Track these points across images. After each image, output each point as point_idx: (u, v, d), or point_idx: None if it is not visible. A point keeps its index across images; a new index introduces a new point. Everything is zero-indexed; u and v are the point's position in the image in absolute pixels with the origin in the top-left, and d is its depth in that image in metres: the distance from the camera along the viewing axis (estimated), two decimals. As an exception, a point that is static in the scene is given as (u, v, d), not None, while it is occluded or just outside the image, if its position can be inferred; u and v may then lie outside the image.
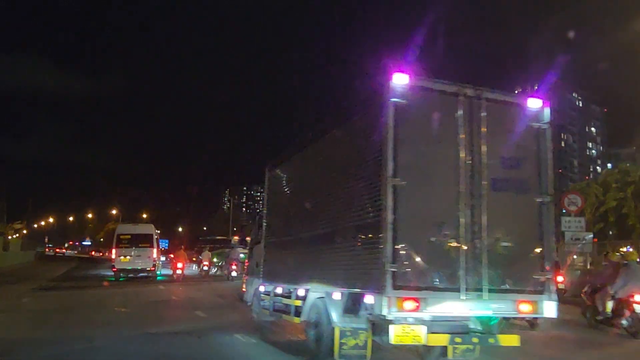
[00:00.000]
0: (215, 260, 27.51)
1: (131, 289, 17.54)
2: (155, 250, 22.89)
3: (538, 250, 5.18)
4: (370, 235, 4.93)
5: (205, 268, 26.41)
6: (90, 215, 77.90)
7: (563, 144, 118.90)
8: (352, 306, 5.30)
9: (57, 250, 73.70)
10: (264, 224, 8.26)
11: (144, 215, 66.78)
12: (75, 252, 78.28)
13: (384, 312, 4.65)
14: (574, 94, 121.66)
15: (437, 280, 4.80)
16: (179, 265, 24.35)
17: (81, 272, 29.60)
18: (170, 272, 26.51)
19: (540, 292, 5.11)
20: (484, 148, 5.08)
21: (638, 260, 15.65)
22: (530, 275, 5.10)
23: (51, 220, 73.04)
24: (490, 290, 4.92)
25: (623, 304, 9.40)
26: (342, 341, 5.27)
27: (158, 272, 23.45)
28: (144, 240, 22.61)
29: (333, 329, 5.40)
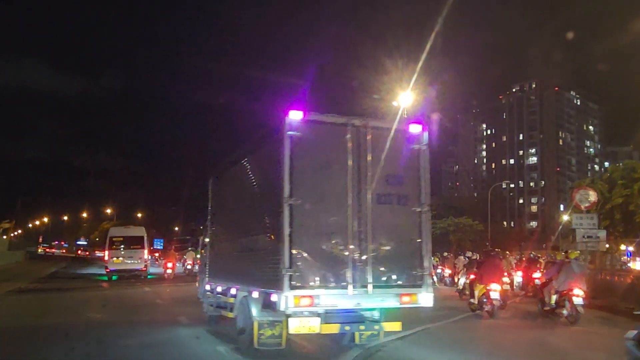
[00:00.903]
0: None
1: (114, 291, 17.15)
2: (146, 252, 24.25)
3: (417, 251, 6.31)
4: (273, 245, 6.04)
5: (189, 267, 27.65)
6: (85, 215, 78.92)
7: (561, 142, 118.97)
8: (268, 303, 6.38)
9: (47, 250, 72.95)
10: (209, 228, 9.40)
11: (139, 215, 67.84)
12: (63, 251, 77.47)
13: (282, 308, 5.77)
14: (572, 92, 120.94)
15: (329, 280, 5.91)
16: (169, 265, 25.58)
17: (69, 272, 29.85)
18: (158, 270, 27.76)
19: (419, 286, 6.25)
20: (369, 168, 6.20)
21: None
22: (410, 273, 6.23)
23: (46, 220, 73.68)
24: (375, 287, 6.04)
25: (564, 297, 10.77)
26: (260, 332, 6.35)
27: (148, 271, 24.63)
28: (135, 242, 23.97)
29: (253, 322, 6.49)
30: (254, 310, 6.53)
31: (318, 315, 5.99)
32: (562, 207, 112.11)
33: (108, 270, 23.32)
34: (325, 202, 6.04)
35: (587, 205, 16.25)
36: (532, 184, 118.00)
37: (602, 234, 16.98)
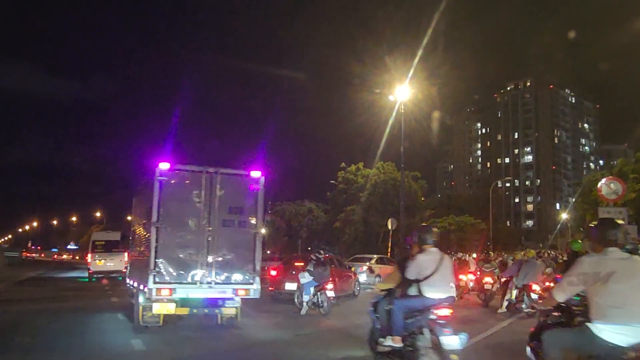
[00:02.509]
0: None
1: (74, 303, 14.78)
2: (126, 255, 27.23)
3: (250, 259, 9.34)
4: (146, 254, 9.08)
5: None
6: (74, 219, 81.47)
7: (556, 141, 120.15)
8: (145, 293, 9.29)
9: (27, 254, 71.10)
10: (131, 235, 12.56)
11: (129, 218, 70.59)
12: (41, 255, 76.84)
13: (148, 296, 8.82)
14: (566, 90, 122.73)
15: (183, 278, 8.93)
16: None
17: (45, 277, 29.66)
18: None
19: (251, 283, 9.27)
20: (218, 202, 9.21)
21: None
22: (244, 274, 9.27)
23: (35, 224, 75.61)
24: (216, 283, 9.07)
25: (522, 292, 12.25)
26: (143, 313, 9.31)
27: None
28: (116, 246, 26.84)
29: (139, 306, 9.51)
30: (140, 298, 9.52)
31: (174, 301, 9.00)
32: (558, 205, 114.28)
33: (91, 271, 26.20)
34: (183, 225, 9.05)
35: (615, 197, 15.51)
36: (527, 182, 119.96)
37: (633, 229, 15.55)
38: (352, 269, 19.39)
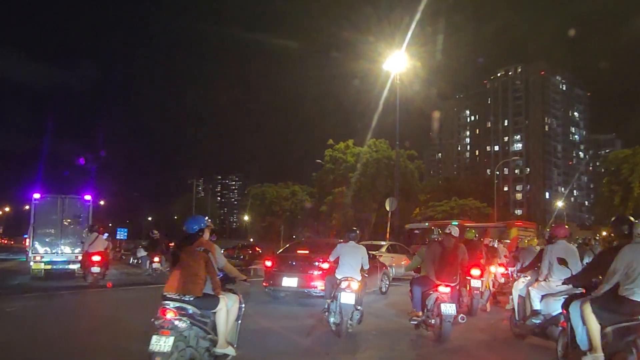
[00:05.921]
0: None
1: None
2: None
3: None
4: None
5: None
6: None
7: (547, 128, 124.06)
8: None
9: None
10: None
11: (102, 203, 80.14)
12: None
13: (30, 260, 19.11)
14: (557, 77, 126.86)
15: (48, 251, 19.14)
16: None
17: None
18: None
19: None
20: (66, 211, 19.32)
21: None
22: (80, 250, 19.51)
23: (7, 209, 79.15)
24: (64, 254, 19.31)
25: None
26: (32, 270, 19.49)
27: None
28: None
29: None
30: (31, 263, 19.68)
31: (43, 262, 19.07)
32: (547, 194, 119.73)
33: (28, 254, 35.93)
34: (48, 225, 19.13)
35: None
36: (517, 171, 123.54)
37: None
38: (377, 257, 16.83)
